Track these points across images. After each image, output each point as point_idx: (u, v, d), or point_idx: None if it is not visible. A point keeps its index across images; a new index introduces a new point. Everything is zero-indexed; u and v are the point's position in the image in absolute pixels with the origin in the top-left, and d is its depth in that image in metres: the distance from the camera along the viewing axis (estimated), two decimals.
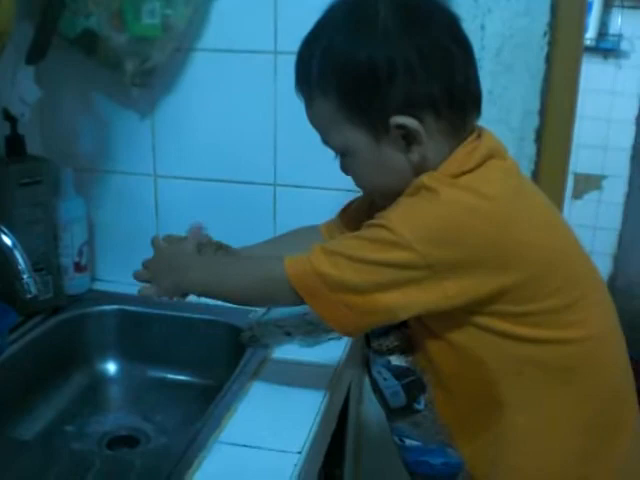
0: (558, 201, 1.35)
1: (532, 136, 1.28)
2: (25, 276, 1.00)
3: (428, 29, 0.89)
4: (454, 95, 0.89)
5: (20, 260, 1.00)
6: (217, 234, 1.36)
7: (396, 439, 1.04)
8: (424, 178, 0.88)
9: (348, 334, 0.96)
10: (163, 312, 1.35)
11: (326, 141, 0.96)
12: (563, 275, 0.90)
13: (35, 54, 1.17)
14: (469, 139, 0.92)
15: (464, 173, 0.89)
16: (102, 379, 1.38)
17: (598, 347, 0.93)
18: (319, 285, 0.89)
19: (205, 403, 1.13)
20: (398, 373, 0.98)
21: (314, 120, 0.96)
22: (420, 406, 0.98)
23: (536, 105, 1.26)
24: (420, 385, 0.98)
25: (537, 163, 1.29)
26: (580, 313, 0.91)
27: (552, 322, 0.90)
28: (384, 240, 0.86)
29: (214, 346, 1.35)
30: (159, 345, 1.38)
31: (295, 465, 0.95)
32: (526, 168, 1.29)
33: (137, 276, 1.08)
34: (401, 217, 0.87)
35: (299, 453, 0.97)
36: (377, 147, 0.91)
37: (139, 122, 1.39)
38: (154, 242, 1.09)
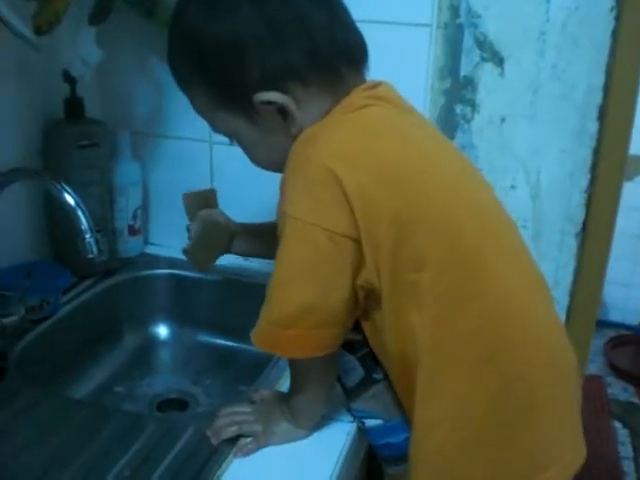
0: (616, 180, 1.32)
1: (595, 113, 1.25)
2: (87, 236, 1.01)
3: None
4: (318, 57, 0.83)
5: (83, 220, 1.01)
6: (268, 202, 1.36)
7: (358, 423, 0.98)
8: (293, 147, 0.85)
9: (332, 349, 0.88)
10: (214, 277, 1.36)
11: (214, 130, 0.92)
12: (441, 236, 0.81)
13: (98, 14, 1.18)
14: (355, 90, 0.86)
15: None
16: (153, 342, 1.40)
17: (492, 317, 0.82)
18: (274, 331, 0.87)
19: (254, 369, 1.15)
20: (352, 347, 0.93)
21: (196, 111, 0.92)
22: (379, 375, 0.94)
23: (600, 81, 1.23)
24: (375, 357, 0.93)
25: (599, 140, 1.27)
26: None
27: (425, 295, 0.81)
28: (295, 234, 0.82)
29: None
30: (210, 310, 1.39)
31: (348, 434, 0.96)
32: (587, 145, 1.26)
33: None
34: (292, 202, 0.83)
35: (351, 422, 0.97)
36: (255, 128, 0.87)
37: None
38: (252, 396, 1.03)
